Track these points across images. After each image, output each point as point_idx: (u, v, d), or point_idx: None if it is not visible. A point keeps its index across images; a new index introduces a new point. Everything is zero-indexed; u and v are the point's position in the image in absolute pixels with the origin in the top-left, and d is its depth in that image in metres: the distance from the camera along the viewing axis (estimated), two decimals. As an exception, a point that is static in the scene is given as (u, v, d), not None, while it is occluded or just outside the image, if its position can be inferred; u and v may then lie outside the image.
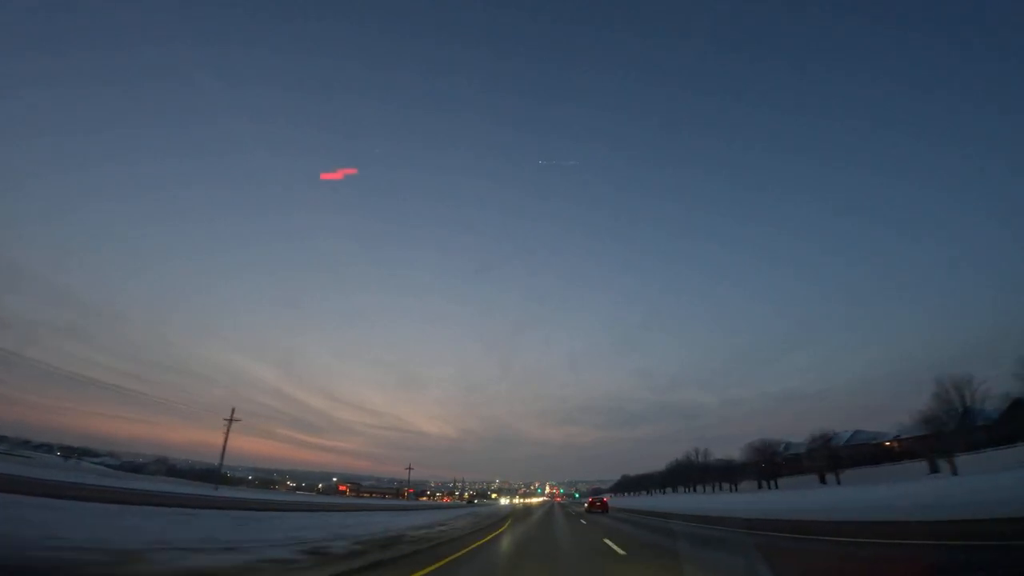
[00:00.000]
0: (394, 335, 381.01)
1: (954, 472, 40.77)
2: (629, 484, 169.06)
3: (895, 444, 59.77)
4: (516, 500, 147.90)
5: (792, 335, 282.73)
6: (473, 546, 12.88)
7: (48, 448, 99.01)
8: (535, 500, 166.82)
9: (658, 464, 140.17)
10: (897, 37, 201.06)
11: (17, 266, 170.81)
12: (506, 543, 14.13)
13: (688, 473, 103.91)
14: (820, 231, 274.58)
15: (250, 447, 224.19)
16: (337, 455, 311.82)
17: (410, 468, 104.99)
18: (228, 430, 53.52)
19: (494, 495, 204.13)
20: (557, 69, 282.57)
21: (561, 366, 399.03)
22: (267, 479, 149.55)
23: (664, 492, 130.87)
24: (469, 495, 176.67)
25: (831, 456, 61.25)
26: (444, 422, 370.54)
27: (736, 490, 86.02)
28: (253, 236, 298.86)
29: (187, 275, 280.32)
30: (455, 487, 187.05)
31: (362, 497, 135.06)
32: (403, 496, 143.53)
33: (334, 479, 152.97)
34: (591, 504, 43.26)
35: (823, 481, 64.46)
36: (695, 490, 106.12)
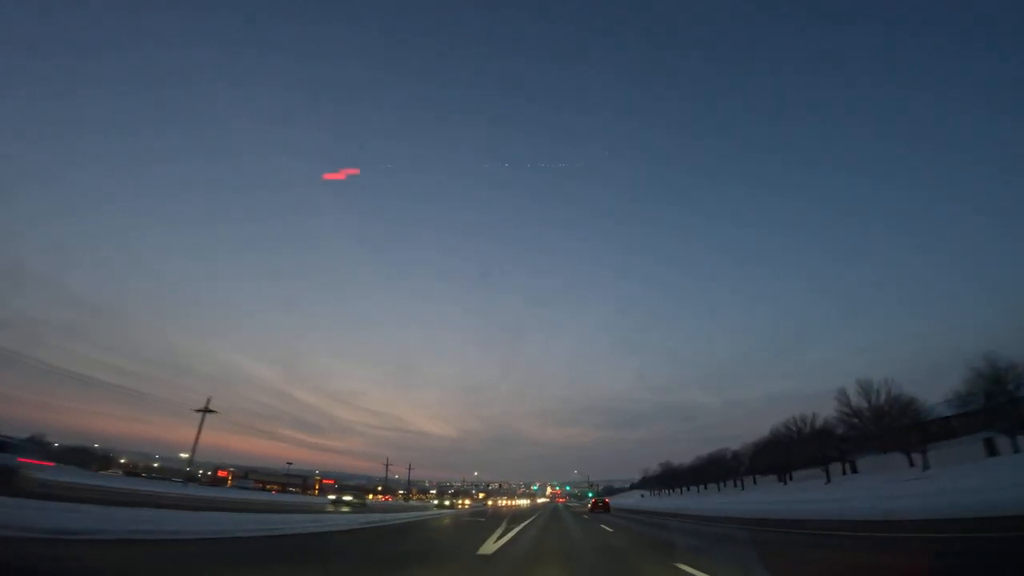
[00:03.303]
0: (395, 336, 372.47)
1: None
2: (667, 478, 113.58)
3: None
4: (460, 503, 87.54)
5: (793, 336, 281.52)
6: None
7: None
8: (524, 502, 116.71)
9: (655, 463, 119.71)
10: (897, 39, 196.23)
11: (19, 265, 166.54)
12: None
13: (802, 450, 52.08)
14: (821, 232, 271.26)
15: (243, 446, 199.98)
16: (337, 455, 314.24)
17: (288, 457, 54.72)
18: None
19: (481, 495, 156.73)
20: (559, 71, 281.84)
21: (562, 367, 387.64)
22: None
23: (721, 486, 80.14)
24: (434, 493, 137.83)
25: None
26: (445, 422, 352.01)
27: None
28: (256, 238, 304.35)
29: (189, 276, 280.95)
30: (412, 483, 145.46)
31: (251, 488, 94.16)
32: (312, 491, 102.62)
33: (179, 455, 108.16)
34: (593, 504, 47.83)
35: None
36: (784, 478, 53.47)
